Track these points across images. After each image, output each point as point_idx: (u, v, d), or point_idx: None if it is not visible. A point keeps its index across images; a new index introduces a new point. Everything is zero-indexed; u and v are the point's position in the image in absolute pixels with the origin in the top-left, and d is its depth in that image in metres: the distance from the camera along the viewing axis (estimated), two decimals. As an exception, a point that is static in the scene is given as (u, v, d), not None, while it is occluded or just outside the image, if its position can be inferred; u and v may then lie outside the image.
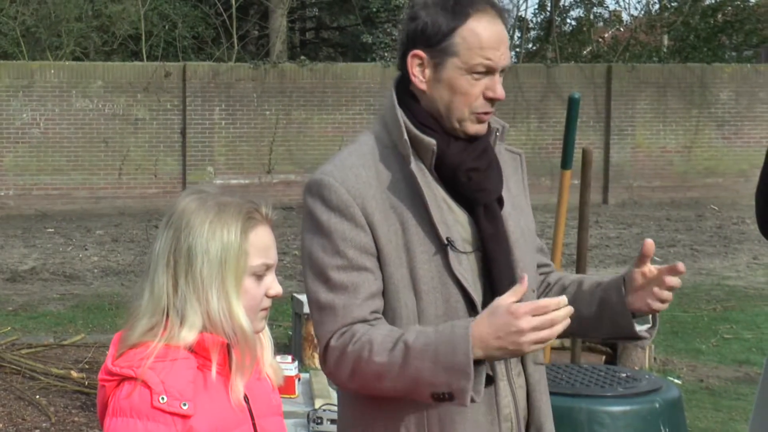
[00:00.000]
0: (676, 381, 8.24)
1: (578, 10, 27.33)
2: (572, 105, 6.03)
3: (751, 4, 26.05)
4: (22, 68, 19.94)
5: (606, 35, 28.27)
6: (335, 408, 5.28)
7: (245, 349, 2.42)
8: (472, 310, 2.61)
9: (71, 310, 11.43)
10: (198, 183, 20.02)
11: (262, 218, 2.46)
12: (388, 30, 22.24)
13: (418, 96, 2.68)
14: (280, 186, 20.77)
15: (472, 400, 2.47)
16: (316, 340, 2.79)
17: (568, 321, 2.44)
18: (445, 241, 2.60)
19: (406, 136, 2.63)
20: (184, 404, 2.35)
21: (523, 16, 26.70)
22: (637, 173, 22.02)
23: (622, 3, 57.83)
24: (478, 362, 2.47)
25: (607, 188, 21.76)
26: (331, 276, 2.59)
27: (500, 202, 2.71)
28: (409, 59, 2.65)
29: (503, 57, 2.63)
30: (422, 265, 2.60)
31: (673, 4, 26.00)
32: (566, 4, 27.08)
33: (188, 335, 2.40)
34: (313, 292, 2.63)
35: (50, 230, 17.63)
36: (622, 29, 27.80)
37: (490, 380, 2.62)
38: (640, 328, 2.77)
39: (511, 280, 2.60)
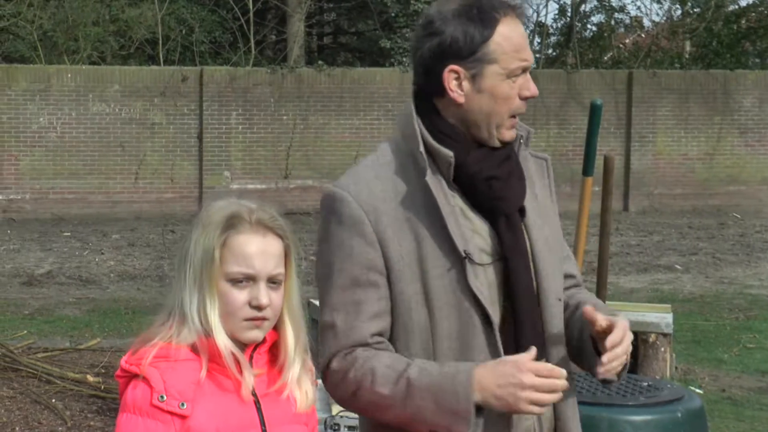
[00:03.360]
0: (697, 390, 8.14)
1: (599, 15, 27.26)
2: (594, 111, 5.96)
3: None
4: (39, 72, 19.97)
5: (627, 41, 28.19)
6: (352, 414, 5.21)
7: (220, 354, 2.45)
8: (488, 326, 2.58)
9: (87, 314, 11.42)
10: (214, 188, 20.03)
11: (248, 225, 2.48)
12: (407, 35, 22.20)
13: (442, 108, 2.65)
14: (297, 191, 20.74)
15: None
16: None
17: (561, 395, 2.50)
18: (463, 254, 2.56)
19: (422, 148, 2.60)
20: (182, 404, 2.41)
21: (543, 21, 26.65)
22: (658, 180, 21.90)
23: (643, 9, 57.70)
24: (479, 407, 2.49)
25: (628, 195, 21.66)
26: (336, 293, 2.59)
27: (522, 211, 2.67)
28: (445, 75, 2.61)
29: (531, 55, 2.68)
30: (436, 281, 2.56)
31: (695, 10, 25.89)
32: (587, 9, 27.00)
33: (189, 335, 2.46)
34: (320, 307, 2.64)
35: (66, 234, 17.64)
36: (643, 35, 27.72)
37: None
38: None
39: (531, 292, 2.62)
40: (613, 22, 27.21)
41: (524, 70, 2.63)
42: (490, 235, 2.62)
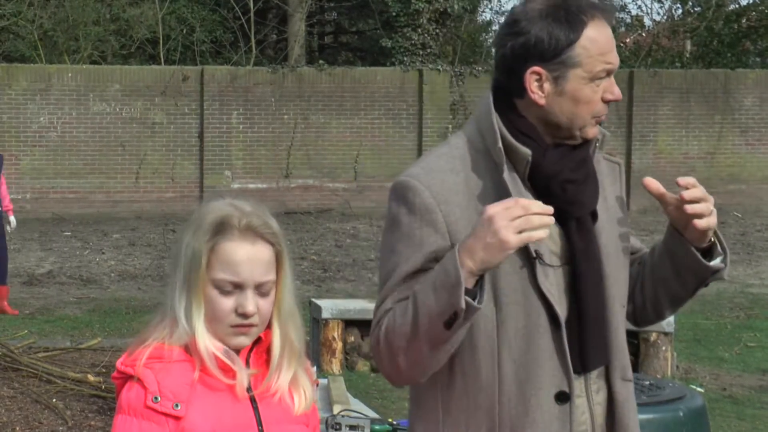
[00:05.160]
0: (698, 389, 8.12)
1: (599, 15, 27.15)
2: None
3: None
4: (40, 72, 19.96)
5: (628, 40, 28.15)
6: (354, 414, 5.20)
7: (202, 358, 2.44)
8: (556, 325, 2.56)
9: (88, 313, 11.42)
10: (215, 187, 20.01)
11: (237, 232, 2.46)
12: (408, 34, 22.17)
13: (522, 108, 2.61)
14: (297, 191, 20.72)
15: (474, 310, 2.40)
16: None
17: (549, 219, 2.40)
18: (534, 254, 2.54)
19: (500, 144, 2.56)
20: (176, 405, 2.40)
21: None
22: (659, 179, 21.17)
23: (644, 8, 57.68)
24: (480, 279, 2.42)
25: (629, 194, 21.63)
26: (399, 281, 2.54)
27: (594, 215, 2.65)
28: (527, 76, 2.57)
29: (617, 58, 2.64)
30: (506, 277, 2.53)
31: (696, 9, 25.85)
32: (587, 9, 26.91)
33: (181, 336, 2.45)
34: (381, 293, 2.58)
35: (67, 234, 17.63)
36: (644, 34, 27.67)
37: (566, 398, 2.58)
38: (714, 262, 2.70)
39: (599, 296, 2.60)
40: (613, 21, 27.13)
41: (608, 73, 2.60)
42: (561, 237, 2.60)
